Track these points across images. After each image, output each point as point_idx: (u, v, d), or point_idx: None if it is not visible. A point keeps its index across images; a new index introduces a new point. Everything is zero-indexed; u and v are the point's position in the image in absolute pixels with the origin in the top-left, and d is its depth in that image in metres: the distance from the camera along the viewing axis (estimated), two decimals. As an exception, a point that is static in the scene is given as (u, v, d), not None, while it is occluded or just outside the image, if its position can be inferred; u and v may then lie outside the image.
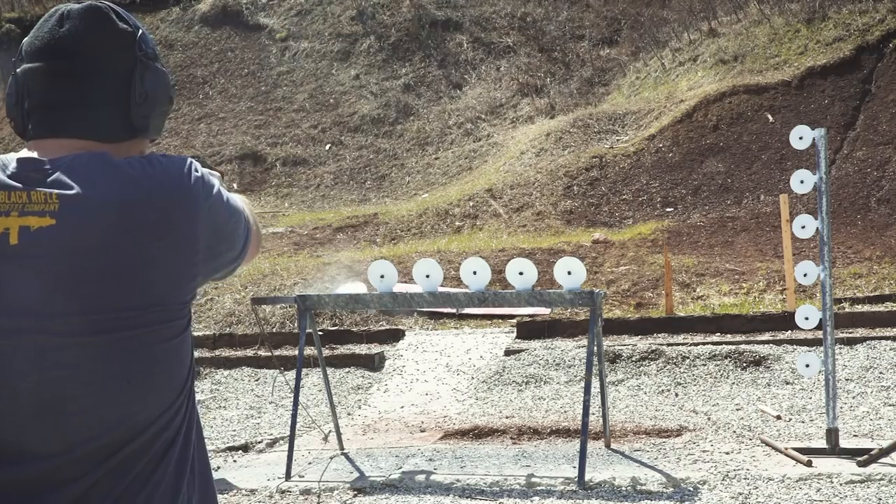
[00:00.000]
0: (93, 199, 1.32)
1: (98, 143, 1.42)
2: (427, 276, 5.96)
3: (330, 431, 6.53)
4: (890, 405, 6.65)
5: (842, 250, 11.01)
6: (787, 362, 7.68)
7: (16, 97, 1.45)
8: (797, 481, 5.05)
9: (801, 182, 5.65)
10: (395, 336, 9.51)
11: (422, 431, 6.90)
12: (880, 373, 7.31)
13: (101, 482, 1.34)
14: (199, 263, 1.40)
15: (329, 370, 7.64)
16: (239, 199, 1.58)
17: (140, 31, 1.49)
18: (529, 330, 9.22)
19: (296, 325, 9.22)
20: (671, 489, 5.12)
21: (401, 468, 5.82)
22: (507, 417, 7.07)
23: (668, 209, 13.70)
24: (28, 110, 1.44)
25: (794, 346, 7.97)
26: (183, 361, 1.43)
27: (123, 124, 1.45)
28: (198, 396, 8.27)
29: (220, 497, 5.39)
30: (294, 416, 6.00)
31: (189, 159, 1.43)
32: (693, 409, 6.94)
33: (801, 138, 5.65)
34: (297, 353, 6.36)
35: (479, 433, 6.72)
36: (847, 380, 7.20)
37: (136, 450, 1.37)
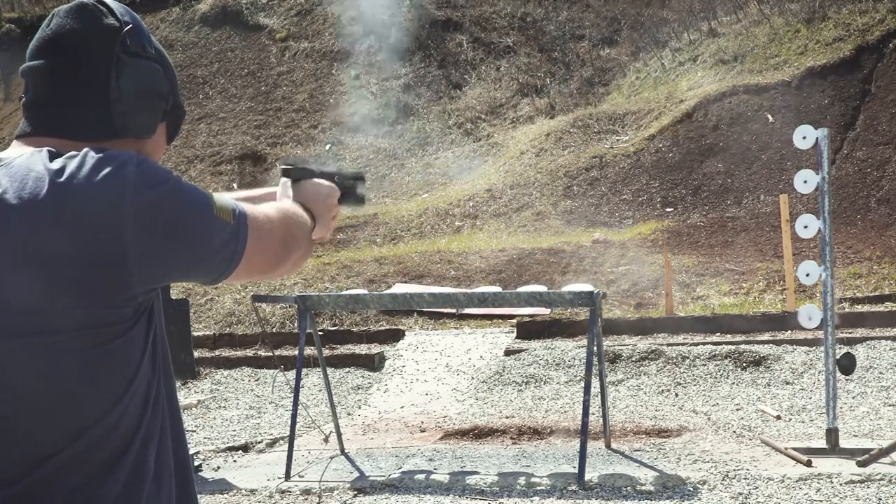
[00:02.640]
0: (8, 200, 1.29)
1: (75, 142, 1.38)
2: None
3: (330, 433, 6.53)
4: (890, 405, 6.65)
5: (842, 250, 11.01)
6: (787, 362, 7.68)
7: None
8: (797, 481, 5.05)
9: (805, 182, 5.67)
10: (395, 336, 9.50)
11: (422, 431, 6.90)
12: (880, 373, 7.31)
13: (24, 496, 1.29)
14: (132, 267, 1.29)
15: (329, 370, 7.64)
16: (244, 207, 1.45)
17: (129, 26, 1.44)
18: (529, 330, 9.22)
19: (296, 325, 9.22)
20: (671, 489, 5.12)
21: (401, 468, 5.82)
22: (507, 417, 7.07)
23: (668, 209, 13.70)
24: (23, 109, 1.45)
25: (794, 346, 7.97)
26: (116, 371, 1.33)
27: (103, 124, 1.41)
28: (198, 396, 8.27)
29: (220, 497, 5.39)
30: (294, 416, 6.00)
31: (129, 155, 1.33)
32: (693, 409, 6.94)
33: (804, 138, 5.65)
34: (297, 353, 6.36)
35: (479, 433, 6.71)
36: (847, 380, 7.20)
37: (65, 464, 1.30)
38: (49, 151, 1.34)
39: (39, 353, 1.28)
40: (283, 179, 1.77)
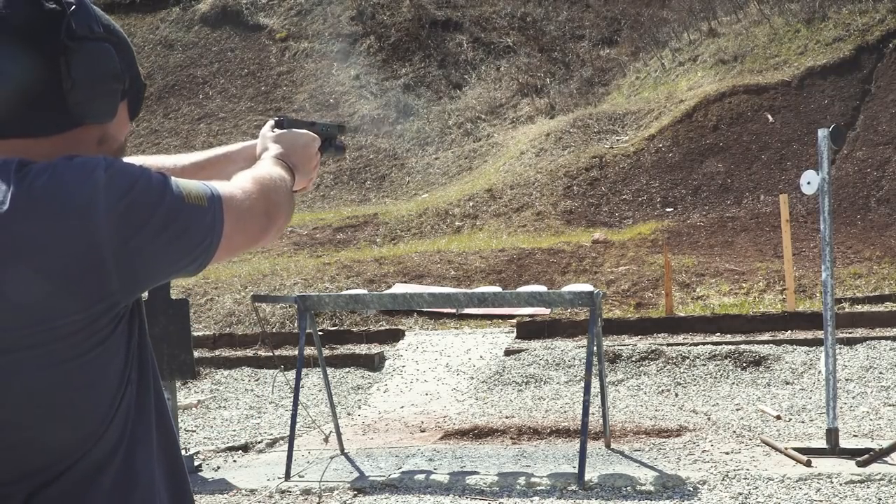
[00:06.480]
0: None
1: (35, 139, 1.32)
2: None
3: (330, 432, 6.53)
4: (890, 405, 6.65)
5: (842, 250, 11.01)
6: (787, 362, 7.68)
7: None
8: (797, 481, 5.05)
9: (808, 183, 5.69)
10: (395, 336, 9.50)
11: (422, 431, 6.90)
12: (880, 373, 7.31)
13: None
14: (111, 272, 1.25)
15: (329, 370, 7.64)
16: (217, 186, 1.41)
17: (72, 7, 1.32)
18: (529, 330, 9.22)
19: (296, 325, 9.22)
20: (671, 489, 5.12)
21: (401, 468, 5.82)
22: (507, 417, 7.07)
23: (668, 209, 13.71)
24: None
25: (794, 346, 7.98)
26: (103, 379, 1.29)
27: (60, 116, 1.33)
28: (198, 396, 8.27)
29: (220, 497, 5.39)
30: (294, 416, 6.00)
31: (97, 161, 1.27)
32: (693, 409, 6.94)
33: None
34: (297, 353, 6.36)
35: (479, 433, 6.71)
36: (847, 380, 7.20)
37: (49, 476, 1.26)
38: (19, 163, 1.27)
39: (33, 365, 1.24)
40: (264, 131, 1.79)
